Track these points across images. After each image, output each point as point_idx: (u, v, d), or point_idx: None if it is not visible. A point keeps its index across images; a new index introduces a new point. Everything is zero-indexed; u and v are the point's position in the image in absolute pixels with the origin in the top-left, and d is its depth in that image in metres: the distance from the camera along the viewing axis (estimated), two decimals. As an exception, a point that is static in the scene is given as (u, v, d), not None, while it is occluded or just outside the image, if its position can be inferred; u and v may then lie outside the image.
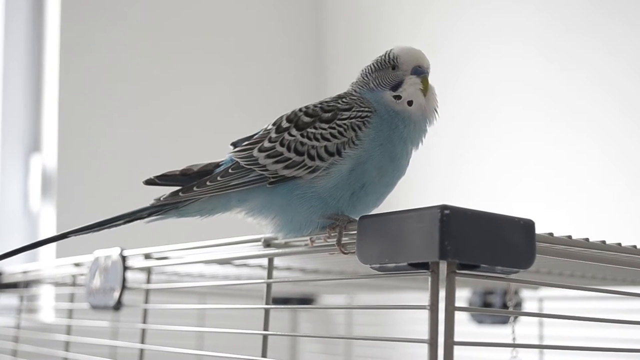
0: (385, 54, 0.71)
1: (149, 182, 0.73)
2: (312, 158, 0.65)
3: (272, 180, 0.67)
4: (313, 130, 0.66)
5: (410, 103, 0.68)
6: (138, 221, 0.75)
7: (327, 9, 2.02)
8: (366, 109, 0.67)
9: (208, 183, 0.69)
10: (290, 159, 0.66)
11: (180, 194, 0.70)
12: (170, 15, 1.80)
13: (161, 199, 0.72)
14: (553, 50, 1.47)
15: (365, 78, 0.71)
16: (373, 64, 0.71)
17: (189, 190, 0.70)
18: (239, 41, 1.89)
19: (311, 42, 2.02)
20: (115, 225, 0.75)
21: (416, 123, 0.68)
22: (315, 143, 0.66)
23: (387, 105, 0.68)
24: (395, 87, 0.69)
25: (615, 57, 1.37)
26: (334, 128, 0.66)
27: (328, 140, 0.65)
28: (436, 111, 0.69)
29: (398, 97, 0.68)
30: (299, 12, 2.02)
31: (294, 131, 0.67)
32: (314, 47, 2.02)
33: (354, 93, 0.70)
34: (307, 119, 0.67)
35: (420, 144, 0.69)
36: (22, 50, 1.68)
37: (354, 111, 0.66)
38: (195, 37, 1.83)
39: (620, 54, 1.36)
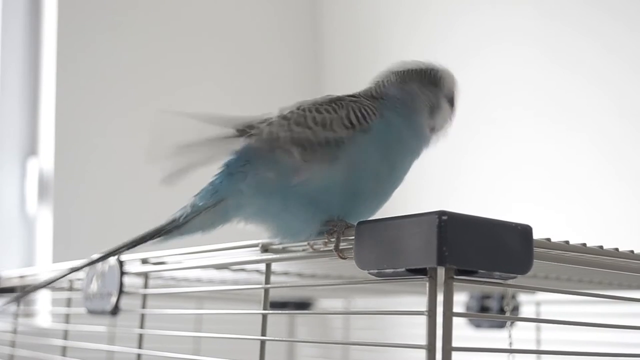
0: (428, 69, 0.70)
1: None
2: (325, 127, 0.64)
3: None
4: (327, 107, 0.66)
5: (433, 130, 0.69)
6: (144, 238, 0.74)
7: (323, 10, 2.02)
8: (372, 111, 0.66)
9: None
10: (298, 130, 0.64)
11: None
12: (167, 18, 1.80)
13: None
14: (551, 51, 1.48)
15: (406, 89, 0.69)
16: (414, 72, 0.70)
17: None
18: (236, 43, 1.89)
19: (308, 43, 2.02)
20: (118, 253, 0.76)
21: (429, 144, 0.70)
22: (329, 115, 0.64)
23: (417, 129, 0.68)
24: (432, 109, 0.69)
25: (615, 58, 1.37)
26: (355, 106, 0.65)
27: (340, 114, 0.64)
28: None
29: (432, 129, 0.69)
30: (295, 14, 2.03)
31: (308, 112, 0.65)
32: (311, 49, 2.02)
33: (373, 95, 0.69)
34: (321, 103, 0.66)
35: (416, 158, 0.70)
36: (19, 53, 1.68)
37: (361, 108, 0.66)
38: (191, 40, 1.82)
39: (619, 54, 1.36)
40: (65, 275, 0.79)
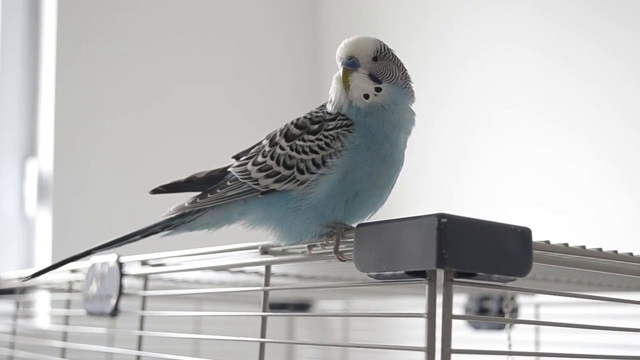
0: None
1: (155, 192, 0.77)
2: (301, 172, 0.66)
3: (263, 191, 0.68)
4: (301, 143, 0.67)
5: (331, 102, 0.68)
6: (152, 236, 0.78)
7: (323, 11, 2.02)
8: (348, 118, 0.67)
9: (209, 195, 0.72)
10: (279, 173, 0.67)
11: (185, 204, 0.74)
12: (166, 20, 1.80)
13: (171, 209, 0.75)
14: (550, 52, 1.48)
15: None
16: None
17: (194, 202, 0.73)
18: (235, 44, 1.89)
19: (308, 44, 2.02)
20: (133, 241, 0.79)
21: (367, 114, 0.66)
22: (303, 156, 0.66)
23: (378, 110, 0.67)
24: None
25: (614, 60, 1.37)
26: (320, 140, 0.66)
27: (316, 152, 0.66)
28: (366, 96, 0.67)
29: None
30: (295, 15, 2.03)
31: (283, 142, 0.68)
32: (310, 50, 2.02)
33: None
34: (296, 131, 0.68)
35: (405, 131, 0.68)
36: (19, 54, 1.68)
37: (339, 120, 0.66)
38: (190, 41, 1.82)
39: (618, 56, 1.36)
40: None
